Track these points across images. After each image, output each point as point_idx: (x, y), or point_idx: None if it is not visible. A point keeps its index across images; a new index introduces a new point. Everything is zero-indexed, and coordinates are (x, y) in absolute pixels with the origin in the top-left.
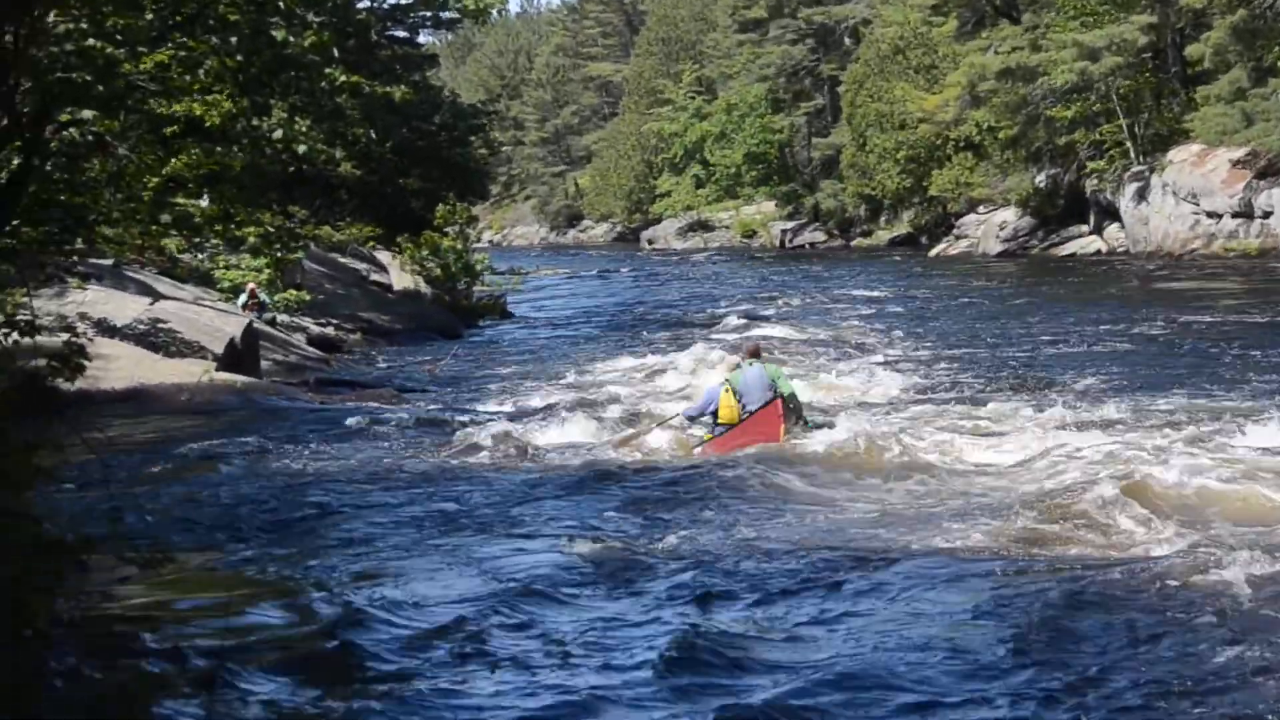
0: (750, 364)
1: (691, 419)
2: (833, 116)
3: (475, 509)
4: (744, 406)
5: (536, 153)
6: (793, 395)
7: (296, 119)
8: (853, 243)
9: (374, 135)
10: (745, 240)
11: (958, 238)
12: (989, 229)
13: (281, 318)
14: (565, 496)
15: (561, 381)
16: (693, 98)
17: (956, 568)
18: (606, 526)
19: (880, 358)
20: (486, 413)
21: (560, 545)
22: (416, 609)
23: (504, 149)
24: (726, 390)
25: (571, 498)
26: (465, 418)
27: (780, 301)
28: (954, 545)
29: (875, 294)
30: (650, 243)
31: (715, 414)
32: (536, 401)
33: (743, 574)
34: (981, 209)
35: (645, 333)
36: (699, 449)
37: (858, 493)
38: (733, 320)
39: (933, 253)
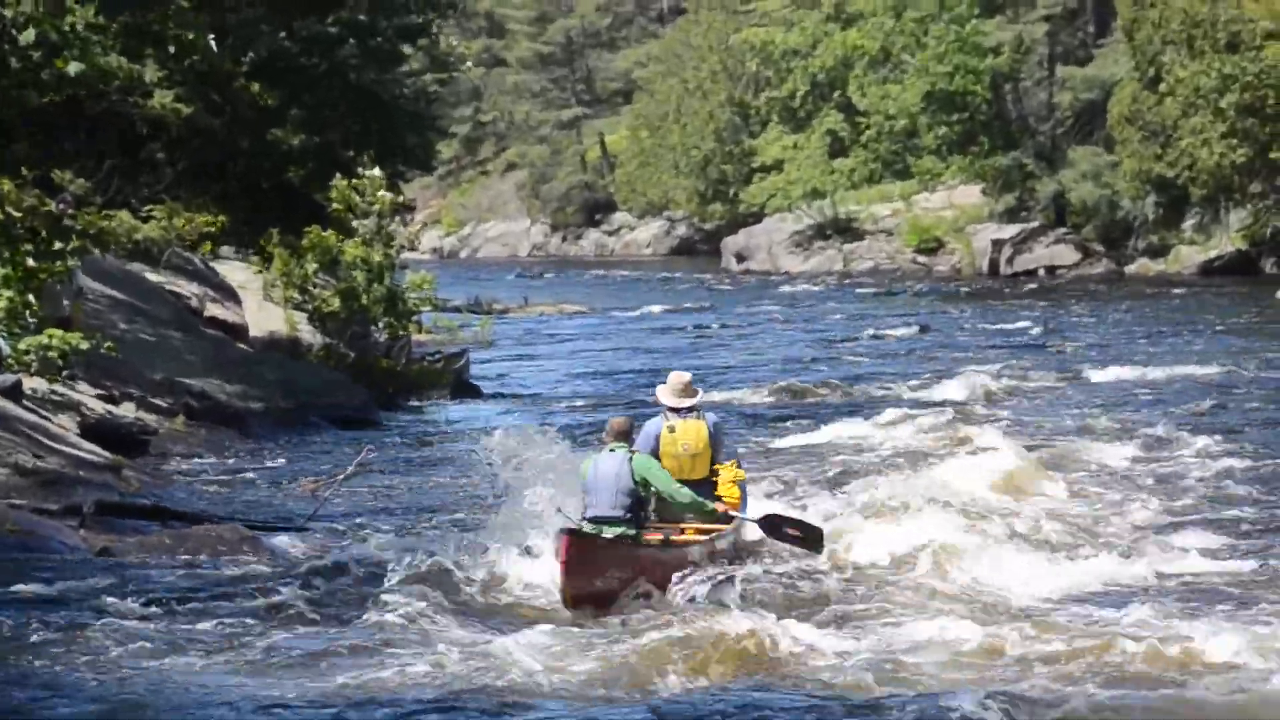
0: (612, 450)
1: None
2: (1098, 28)
3: None
4: (585, 509)
5: (529, 83)
6: (692, 504)
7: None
8: (1130, 267)
9: (212, 41)
10: (921, 258)
11: None
12: None
13: (34, 384)
14: None
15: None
16: None
17: None
18: None
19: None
20: (407, 576)
21: None
22: None
23: (467, 72)
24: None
25: None
26: (370, 587)
27: (997, 397)
28: None
29: (1186, 386)
30: (741, 258)
31: None
32: (502, 561)
33: None
34: None
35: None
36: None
37: None
38: (904, 432)
39: None
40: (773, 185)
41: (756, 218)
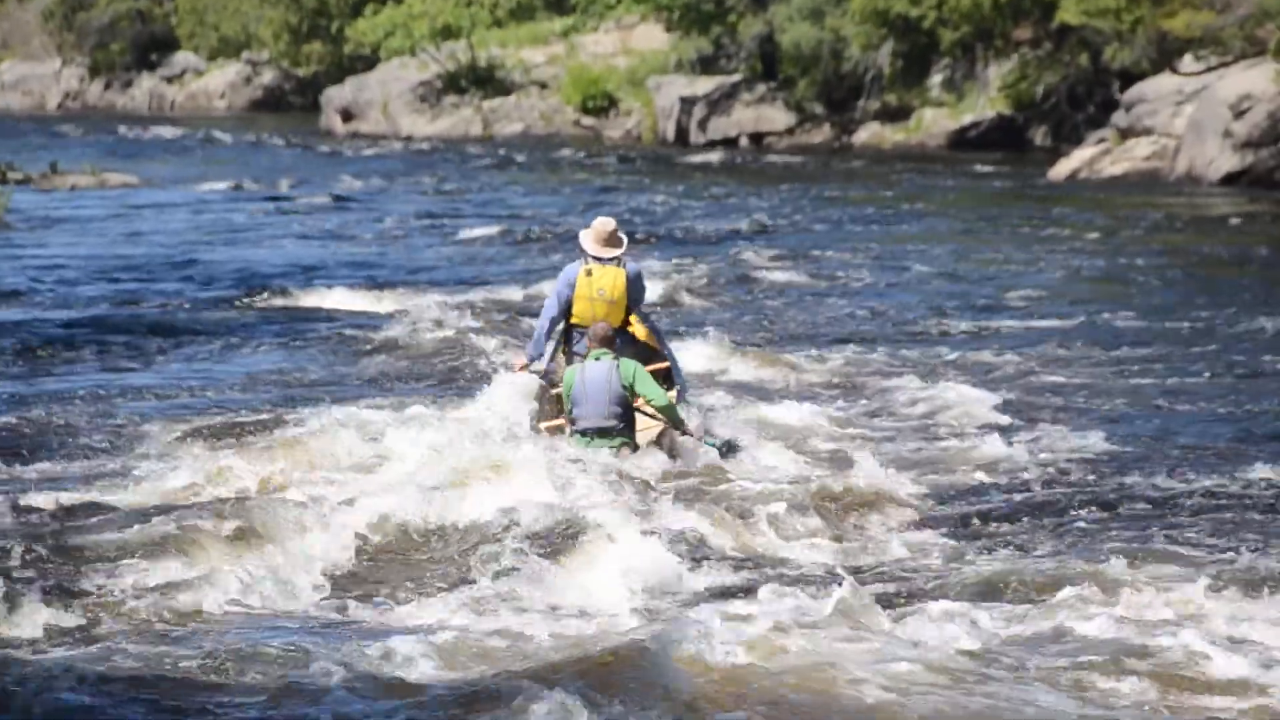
0: (597, 358)
1: (533, 361)
2: None
3: None
4: (574, 421)
5: None
6: (668, 407)
7: None
8: (859, 135)
9: None
10: (588, 120)
11: (1125, 134)
12: (1208, 116)
13: None
14: None
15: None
16: None
17: None
18: None
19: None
20: None
21: None
22: None
23: None
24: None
25: None
26: None
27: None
28: None
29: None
30: (348, 116)
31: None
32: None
33: None
34: (1189, 64)
35: (291, 358)
36: (543, 425)
37: None
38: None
39: (1059, 170)
40: (389, 20)
41: (368, 63)
